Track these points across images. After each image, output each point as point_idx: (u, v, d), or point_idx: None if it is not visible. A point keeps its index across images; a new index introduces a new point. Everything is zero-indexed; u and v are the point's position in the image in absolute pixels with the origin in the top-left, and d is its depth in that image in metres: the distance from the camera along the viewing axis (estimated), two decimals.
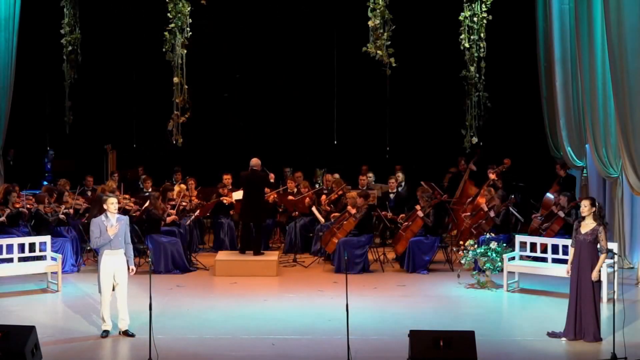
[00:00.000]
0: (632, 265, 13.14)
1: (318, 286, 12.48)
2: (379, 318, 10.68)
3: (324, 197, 15.28)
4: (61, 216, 13.53)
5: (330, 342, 9.53)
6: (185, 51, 14.94)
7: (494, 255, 12.22)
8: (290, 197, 15.30)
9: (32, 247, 12.51)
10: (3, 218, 13.31)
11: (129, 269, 9.93)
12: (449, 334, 8.58)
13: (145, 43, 16.86)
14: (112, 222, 9.76)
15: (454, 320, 10.57)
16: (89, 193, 15.25)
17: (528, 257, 12.71)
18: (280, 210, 15.67)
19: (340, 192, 15.06)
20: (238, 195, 14.80)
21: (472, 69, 15.61)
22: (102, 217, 9.84)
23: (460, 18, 15.47)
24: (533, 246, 12.46)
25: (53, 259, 12.39)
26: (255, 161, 13.95)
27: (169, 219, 13.75)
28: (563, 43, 14.96)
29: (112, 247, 9.78)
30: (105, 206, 9.86)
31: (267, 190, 14.80)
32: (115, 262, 9.80)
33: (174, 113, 15.08)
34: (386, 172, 16.46)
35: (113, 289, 9.83)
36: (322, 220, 14.78)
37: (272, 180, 14.94)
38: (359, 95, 18.20)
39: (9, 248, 12.42)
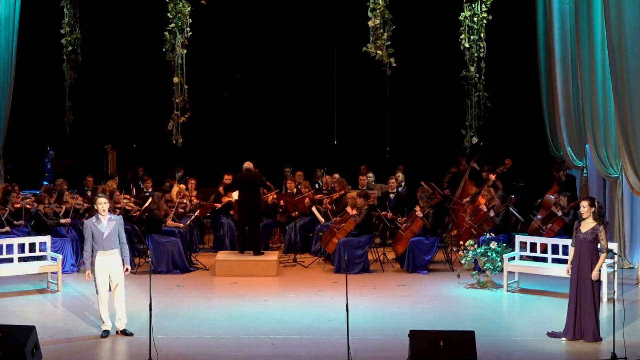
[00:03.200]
0: (632, 265, 13.14)
1: (318, 286, 12.48)
2: (379, 318, 10.68)
3: (323, 198, 15.23)
4: (62, 221, 13.51)
5: (330, 342, 9.53)
6: (185, 51, 14.95)
7: (494, 255, 12.22)
8: (289, 198, 15.30)
9: (32, 247, 12.52)
10: (6, 216, 13.31)
11: (124, 268, 9.92)
12: (449, 334, 8.59)
13: (145, 43, 16.87)
14: (103, 224, 9.76)
15: (454, 320, 10.57)
16: (89, 193, 15.24)
17: (528, 257, 12.71)
18: (280, 210, 15.67)
19: (342, 192, 15.06)
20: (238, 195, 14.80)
21: (472, 69, 15.61)
22: (94, 218, 9.84)
23: (460, 18, 15.48)
24: (533, 246, 12.46)
25: (53, 259, 12.39)
26: (248, 164, 14.00)
27: (169, 224, 13.72)
28: (563, 43, 14.95)
29: (104, 248, 9.75)
30: (95, 207, 9.88)
31: (264, 190, 14.81)
32: (110, 261, 9.78)
33: (174, 113, 15.09)
34: (386, 172, 16.45)
35: (110, 289, 9.83)
36: (322, 220, 14.78)
37: (270, 186, 14.97)
38: (359, 95, 18.18)
39: (9, 248, 12.42)
